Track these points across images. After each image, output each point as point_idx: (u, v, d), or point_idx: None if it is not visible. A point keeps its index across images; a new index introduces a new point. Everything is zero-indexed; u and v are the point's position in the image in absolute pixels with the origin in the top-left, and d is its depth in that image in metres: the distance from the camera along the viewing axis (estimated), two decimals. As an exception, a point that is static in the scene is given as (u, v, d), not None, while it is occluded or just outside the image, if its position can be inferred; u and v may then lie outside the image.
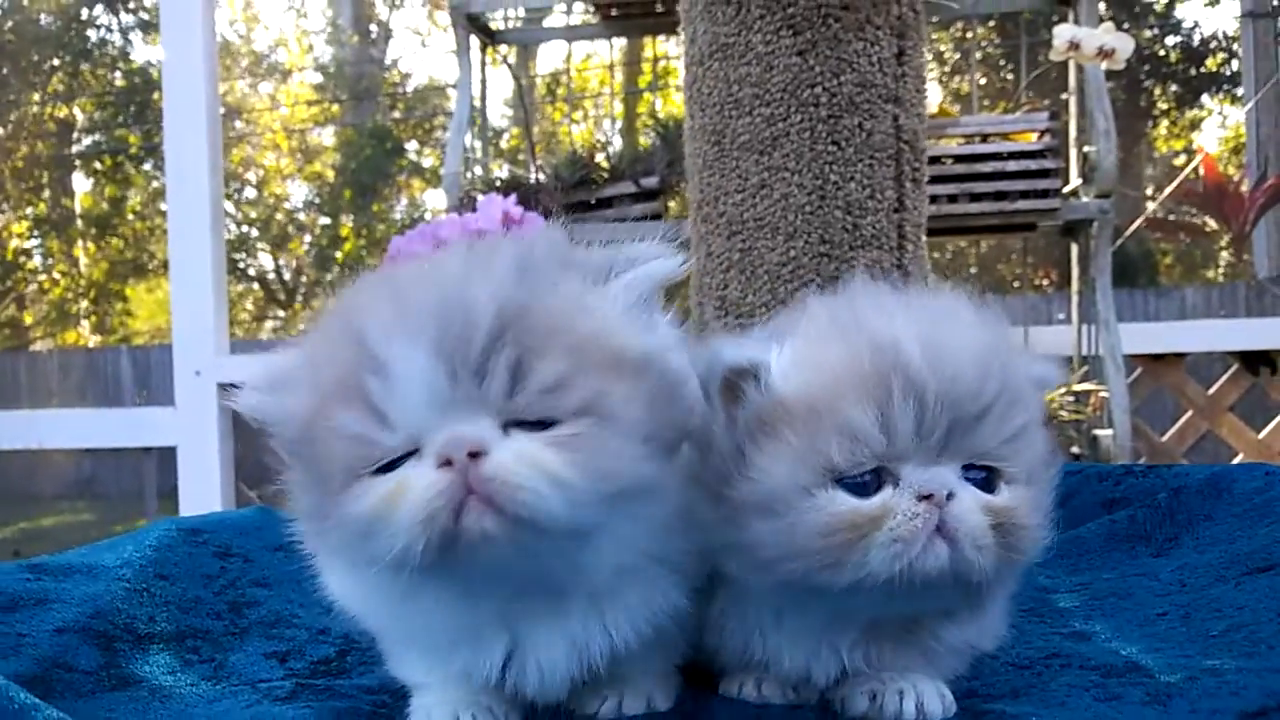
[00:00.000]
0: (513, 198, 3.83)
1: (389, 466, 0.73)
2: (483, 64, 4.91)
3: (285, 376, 0.81)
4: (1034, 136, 4.53)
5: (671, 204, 4.41)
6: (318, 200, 15.90)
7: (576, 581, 0.79)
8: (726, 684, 0.96)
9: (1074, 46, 3.91)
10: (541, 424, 0.72)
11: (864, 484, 0.76)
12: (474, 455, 0.70)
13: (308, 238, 16.01)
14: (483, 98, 4.98)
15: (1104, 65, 4.10)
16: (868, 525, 0.74)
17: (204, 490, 3.58)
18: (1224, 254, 12.79)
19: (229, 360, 3.63)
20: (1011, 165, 4.20)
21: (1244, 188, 8.03)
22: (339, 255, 15.39)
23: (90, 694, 0.93)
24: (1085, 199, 4.45)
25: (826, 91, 1.60)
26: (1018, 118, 4.63)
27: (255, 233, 15.72)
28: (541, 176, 4.46)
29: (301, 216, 16.05)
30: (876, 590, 0.75)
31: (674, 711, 0.91)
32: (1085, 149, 4.59)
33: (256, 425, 0.84)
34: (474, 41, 4.36)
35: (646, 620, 0.83)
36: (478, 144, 4.82)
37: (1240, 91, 11.91)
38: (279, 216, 15.78)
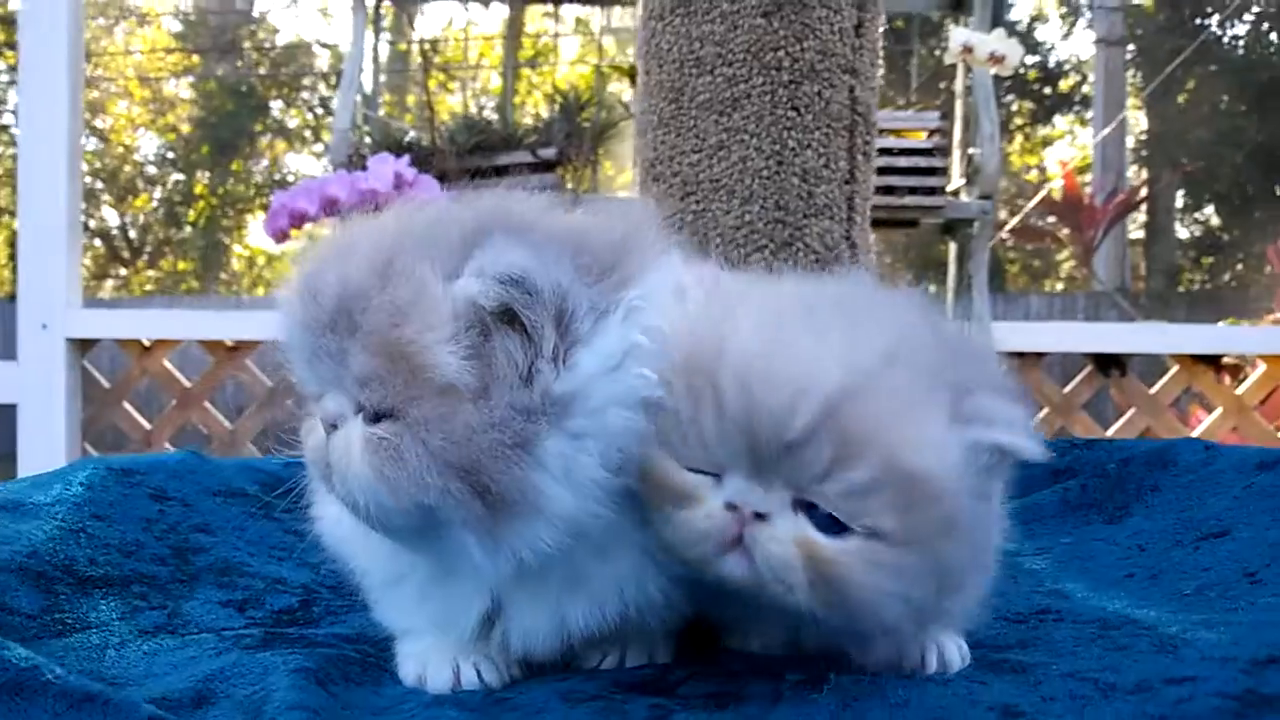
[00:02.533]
0: (405, 159, 3.71)
1: None
2: (376, 23, 4.75)
3: None
4: (924, 135, 4.68)
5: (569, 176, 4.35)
6: (171, 154, 15.04)
7: (468, 570, 0.76)
8: (728, 639, 0.94)
9: (967, 50, 4.06)
10: (374, 417, 0.72)
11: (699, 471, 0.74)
12: (336, 426, 0.75)
13: (158, 193, 15.13)
14: (375, 61, 4.81)
15: (994, 70, 4.26)
16: (674, 500, 0.74)
17: (47, 452, 3.27)
18: (1065, 265, 13.58)
19: (80, 314, 3.35)
20: (901, 161, 4.33)
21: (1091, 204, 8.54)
22: (191, 213, 14.62)
23: (35, 638, 0.83)
24: (967, 199, 4.61)
25: (789, 56, 1.59)
26: (910, 115, 4.77)
27: (100, 184, 14.74)
28: (431, 140, 4.33)
29: (153, 170, 15.15)
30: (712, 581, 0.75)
31: (680, 663, 0.88)
32: (970, 150, 4.76)
33: None
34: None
35: (628, 598, 0.81)
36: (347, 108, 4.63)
37: (1090, 114, 12.65)
38: (127, 169, 14.86)
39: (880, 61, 1.70)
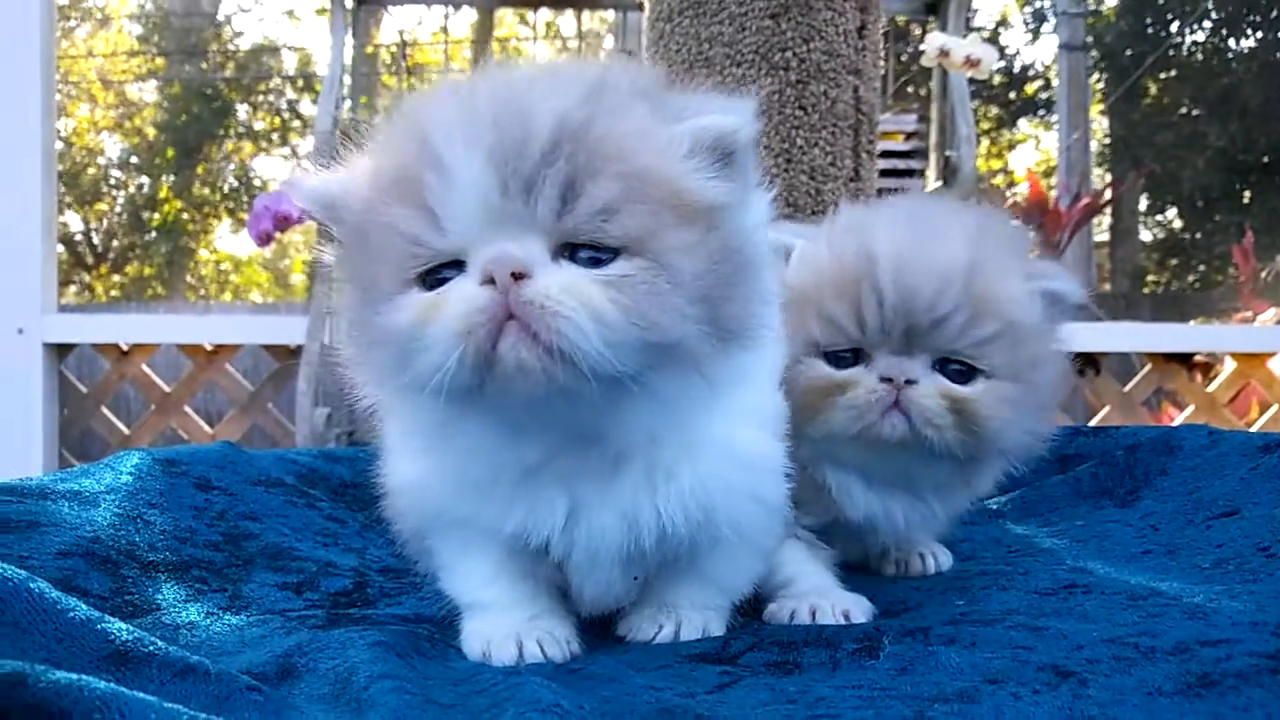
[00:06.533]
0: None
1: (436, 282, 0.71)
2: (355, 24, 4.73)
3: (350, 170, 0.80)
4: (901, 138, 4.74)
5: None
6: (135, 159, 14.85)
7: (613, 435, 0.77)
8: (775, 610, 0.97)
9: (944, 54, 4.12)
10: (595, 261, 0.69)
11: (842, 359, 0.98)
12: (518, 276, 0.68)
13: (122, 197, 14.93)
14: (355, 61, 4.80)
15: (969, 74, 4.33)
16: (834, 390, 0.96)
17: (23, 460, 3.17)
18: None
19: (57, 319, 3.30)
20: (881, 163, 4.37)
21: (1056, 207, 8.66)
22: (156, 218, 14.45)
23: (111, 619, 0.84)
24: (945, 200, 4.63)
25: (796, 57, 1.63)
26: (888, 118, 4.83)
27: (62, 188, 14.50)
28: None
29: (117, 174, 14.95)
30: (855, 444, 0.97)
31: (736, 635, 0.91)
32: (947, 153, 4.82)
33: (319, 212, 0.79)
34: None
35: (698, 503, 0.82)
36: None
37: (1054, 118, 12.84)
38: (90, 172, 14.65)
39: (881, 63, 1.75)
